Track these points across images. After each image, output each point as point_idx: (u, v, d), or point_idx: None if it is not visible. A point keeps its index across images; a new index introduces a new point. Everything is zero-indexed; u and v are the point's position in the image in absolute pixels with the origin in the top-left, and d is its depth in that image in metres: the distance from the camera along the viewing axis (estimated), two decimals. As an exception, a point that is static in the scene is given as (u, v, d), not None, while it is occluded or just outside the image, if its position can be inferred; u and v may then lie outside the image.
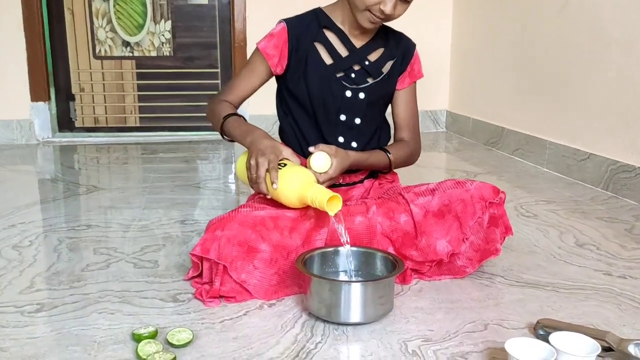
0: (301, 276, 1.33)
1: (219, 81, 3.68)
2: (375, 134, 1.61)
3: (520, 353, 1.06)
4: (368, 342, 1.20)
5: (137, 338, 1.18)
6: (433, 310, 1.35)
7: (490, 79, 3.35)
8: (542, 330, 1.21)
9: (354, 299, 1.23)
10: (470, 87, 3.64)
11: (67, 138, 3.57)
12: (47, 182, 2.63)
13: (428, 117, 3.88)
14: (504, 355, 1.14)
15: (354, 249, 1.42)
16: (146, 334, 1.18)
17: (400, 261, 1.34)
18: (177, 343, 1.16)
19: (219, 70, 3.68)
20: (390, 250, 1.50)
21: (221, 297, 1.38)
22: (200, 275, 1.42)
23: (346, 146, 1.56)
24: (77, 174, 2.78)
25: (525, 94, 2.98)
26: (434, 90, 3.87)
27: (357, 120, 1.56)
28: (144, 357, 1.10)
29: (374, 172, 1.65)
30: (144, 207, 2.16)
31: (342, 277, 1.41)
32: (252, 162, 1.40)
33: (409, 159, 1.65)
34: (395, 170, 1.69)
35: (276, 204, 1.49)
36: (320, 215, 1.48)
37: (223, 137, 1.56)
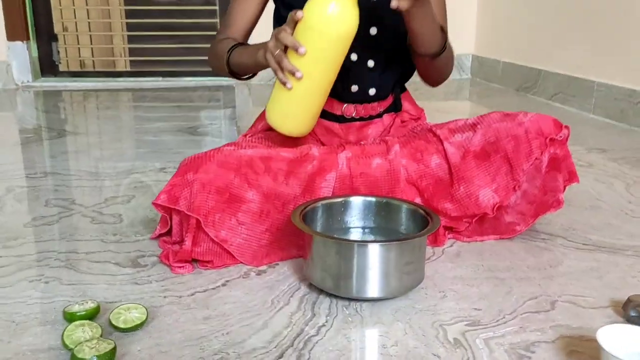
0: (300, 235, 0.98)
1: (217, 20, 3.28)
2: (397, 49, 1.22)
3: (619, 347, 0.72)
4: (391, 326, 0.86)
5: (69, 318, 0.85)
6: (477, 281, 1.00)
7: (524, 15, 2.93)
8: (634, 311, 0.87)
9: (372, 265, 0.88)
10: (500, 27, 3.22)
11: (50, 83, 3.22)
12: (15, 128, 2.29)
13: (451, 62, 3.47)
14: (590, 347, 0.80)
15: (371, 199, 1.07)
16: (81, 313, 0.85)
17: (435, 216, 0.98)
18: (122, 326, 0.83)
19: (217, 7, 3.28)
20: (418, 201, 1.15)
21: (194, 261, 1.04)
22: (169, 232, 1.08)
23: (362, 64, 1.20)
24: (53, 119, 2.44)
25: (566, 30, 2.57)
26: (457, 32, 3.42)
27: (373, 30, 1.18)
28: (71, 346, 0.77)
29: (396, 104, 1.29)
30: (121, 154, 1.82)
31: (355, 236, 1.06)
32: (268, 55, 1.03)
33: (450, 62, 1.26)
34: (419, 105, 1.33)
35: (273, 141, 1.14)
36: (326, 156, 1.13)
37: (234, 76, 1.21)
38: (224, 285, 0.98)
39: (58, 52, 3.28)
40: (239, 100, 2.87)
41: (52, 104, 2.76)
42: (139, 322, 0.84)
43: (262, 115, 1.26)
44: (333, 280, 0.91)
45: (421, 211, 1.00)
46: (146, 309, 0.86)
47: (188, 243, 1.01)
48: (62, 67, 3.31)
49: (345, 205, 1.07)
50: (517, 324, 0.87)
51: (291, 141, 1.16)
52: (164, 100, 2.86)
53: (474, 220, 1.15)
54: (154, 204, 1.04)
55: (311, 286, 0.97)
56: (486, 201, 1.13)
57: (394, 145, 1.17)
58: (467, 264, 1.07)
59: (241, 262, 1.05)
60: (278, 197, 1.07)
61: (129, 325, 0.83)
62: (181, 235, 1.05)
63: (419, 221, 1.00)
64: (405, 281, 0.91)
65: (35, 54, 3.24)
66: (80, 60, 3.34)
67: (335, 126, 1.25)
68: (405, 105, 1.30)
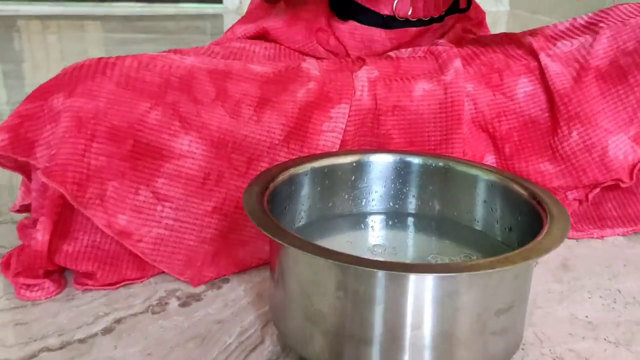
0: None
1: None
2: None
3: None
4: None
5: None
6: (613, 323, 0.50)
7: None
8: None
9: (421, 317, 0.37)
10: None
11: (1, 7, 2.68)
12: None
13: (488, -10, 2.89)
14: None
15: (413, 159, 0.55)
16: None
17: (555, 203, 0.46)
18: None
19: None
20: (492, 160, 0.64)
21: (61, 270, 0.54)
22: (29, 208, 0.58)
23: None
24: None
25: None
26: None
27: None
28: None
29: (456, 3, 0.76)
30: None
31: (380, 242, 0.55)
32: None
33: None
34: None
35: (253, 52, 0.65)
36: (333, 76, 0.61)
37: None
38: (106, 331, 0.48)
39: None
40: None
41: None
42: None
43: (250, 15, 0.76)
44: (329, 345, 0.40)
45: (522, 191, 0.48)
46: None
47: (40, 236, 0.51)
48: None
49: (360, 171, 0.55)
50: None
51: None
52: (139, 30, 2.33)
53: (592, 194, 0.64)
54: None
55: (284, 346, 0.46)
56: (621, 157, 0.61)
57: (453, 60, 0.64)
58: (589, 286, 0.56)
59: (157, 273, 0.55)
60: (239, 146, 0.56)
61: None
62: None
63: (517, 211, 0.49)
64: (492, 348, 0.41)
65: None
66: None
67: (378, 34, 0.73)
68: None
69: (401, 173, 0.55)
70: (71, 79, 0.52)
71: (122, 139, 0.52)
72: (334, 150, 0.58)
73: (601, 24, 0.64)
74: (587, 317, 0.52)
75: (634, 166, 0.62)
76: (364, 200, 0.55)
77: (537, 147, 0.63)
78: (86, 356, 0.45)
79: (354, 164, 0.54)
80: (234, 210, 0.56)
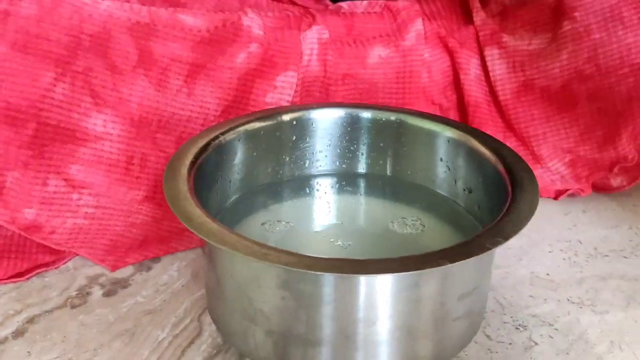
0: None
1: None
2: None
3: None
4: None
5: None
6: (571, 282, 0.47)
7: None
8: None
9: (376, 311, 0.33)
10: None
11: None
12: None
13: None
14: None
15: (361, 112, 0.49)
16: None
17: (520, 161, 0.41)
18: None
19: None
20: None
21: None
22: None
23: None
24: None
25: None
26: None
27: None
28: None
29: None
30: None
31: (323, 215, 0.49)
32: None
33: None
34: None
35: None
36: (279, 37, 0.53)
37: None
38: (17, 334, 0.42)
39: None
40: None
41: None
42: None
43: None
44: (274, 346, 0.35)
45: (484, 149, 0.43)
46: None
47: None
48: None
49: (301, 129, 0.48)
50: None
51: None
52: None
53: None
54: None
55: (218, 333, 0.41)
56: (548, 181, 0.59)
57: (414, 20, 0.57)
58: (549, 238, 0.53)
59: (71, 258, 0.48)
60: (166, 124, 0.48)
61: None
62: None
63: (478, 171, 0.44)
64: (455, 333, 0.37)
65: None
66: None
67: None
68: None
69: (348, 129, 0.48)
70: None
71: (21, 122, 0.44)
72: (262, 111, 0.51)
73: (573, 15, 0.55)
74: (548, 274, 0.49)
75: (561, 192, 0.58)
76: (307, 161, 0.49)
77: (483, 125, 0.58)
78: (-8, 369, 0.39)
79: (294, 122, 0.48)
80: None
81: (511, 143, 0.58)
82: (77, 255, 0.48)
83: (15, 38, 0.43)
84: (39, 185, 0.45)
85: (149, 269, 0.49)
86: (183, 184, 0.36)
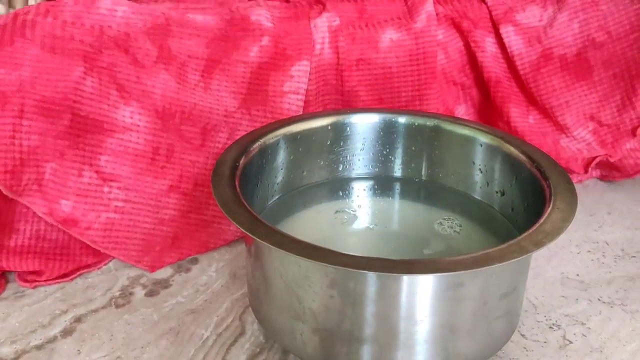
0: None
1: None
2: None
3: None
4: None
5: None
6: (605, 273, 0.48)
7: None
8: None
9: (418, 312, 0.34)
10: None
11: None
12: None
13: None
14: None
15: (396, 117, 0.50)
16: None
17: (555, 165, 0.42)
18: None
19: None
20: (462, 112, 0.61)
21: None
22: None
23: None
24: None
25: None
26: None
27: None
28: None
29: None
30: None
31: (366, 218, 0.50)
32: None
33: None
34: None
35: None
36: (290, 28, 0.55)
37: None
38: (66, 333, 0.43)
39: None
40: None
41: None
42: None
43: None
44: (320, 343, 0.36)
45: (518, 153, 0.44)
46: None
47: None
48: None
49: (336, 133, 0.49)
50: None
51: None
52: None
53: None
54: None
55: (266, 335, 0.43)
56: (574, 150, 0.61)
57: (425, 2, 0.58)
58: (576, 239, 0.54)
59: (112, 259, 0.50)
60: (189, 116, 0.49)
61: None
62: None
63: (511, 174, 0.45)
64: (495, 332, 0.38)
65: None
66: None
67: None
68: None
69: (381, 134, 0.50)
70: None
71: (57, 113, 0.45)
72: (299, 113, 0.52)
73: None
74: (578, 275, 0.50)
75: (589, 161, 0.60)
76: (341, 165, 0.50)
77: (506, 100, 0.59)
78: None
79: (329, 127, 0.49)
80: (193, 188, 0.50)
81: (535, 116, 0.60)
82: (108, 260, 0.50)
83: (43, 41, 0.45)
84: (75, 176, 0.46)
85: (187, 270, 0.50)
86: (232, 188, 0.38)
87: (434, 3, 0.58)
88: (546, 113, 0.60)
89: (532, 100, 0.60)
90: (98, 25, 0.47)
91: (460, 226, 0.44)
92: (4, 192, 0.43)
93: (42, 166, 0.45)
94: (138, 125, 0.48)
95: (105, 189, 0.48)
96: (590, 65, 0.59)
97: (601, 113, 0.60)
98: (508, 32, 0.59)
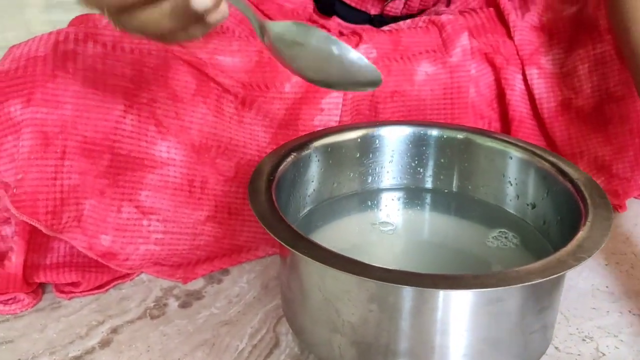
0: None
1: None
2: None
3: None
4: None
5: None
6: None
7: None
8: None
9: (455, 326, 0.34)
10: None
11: None
12: None
13: None
14: None
15: (428, 130, 0.50)
16: None
17: (587, 178, 0.42)
18: None
19: None
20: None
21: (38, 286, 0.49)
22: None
23: None
24: None
25: None
26: None
27: None
28: None
29: None
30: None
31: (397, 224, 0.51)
32: None
33: None
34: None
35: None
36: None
37: None
38: (104, 344, 0.44)
39: None
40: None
41: None
42: None
43: None
44: (359, 354, 0.37)
45: (549, 166, 0.44)
46: None
47: (14, 257, 0.45)
48: None
49: (365, 146, 0.50)
50: None
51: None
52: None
53: None
54: None
55: (300, 345, 0.43)
56: None
57: (460, 35, 0.58)
58: (604, 250, 0.54)
59: (141, 273, 0.50)
60: (224, 150, 0.50)
61: None
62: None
63: (542, 187, 0.45)
64: (531, 346, 0.38)
65: None
66: None
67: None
68: None
69: (409, 146, 0.50)
70: (25, 78, 0.44)
71: (98, 154, 0.46)
72: (332, 128, 0.52)
73: (607, 37, 0.57)
74: (607, 287, 0.50)
75: None
76: (370, 177, 0.51)
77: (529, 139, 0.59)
78: (84, 377, 0.41)
79: (359, 140, 0.49)
80: (227, 217, 0.51)
81: None
82: (136, 273, 0.50)
83: (85, 75, 0.45)
84: (114, 212, 0.47)
85: (219, 281, 0.50)
86: (270, 202, 0.38)
87: (468, 37, 0.59)
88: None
89: (551, 144, 0.60)
90: (138, 52, 0.47)
91: (501, 240, 0.45)
92: (45, 231, 0.44)
93: (82, 203, 0.45)
94: (175, 160, 0.48)
95: (145, 222, 0.48)
96: (606, 118, 0.58)
97: (613, 166, 0.59)
98: (532, 75, 0.59)
